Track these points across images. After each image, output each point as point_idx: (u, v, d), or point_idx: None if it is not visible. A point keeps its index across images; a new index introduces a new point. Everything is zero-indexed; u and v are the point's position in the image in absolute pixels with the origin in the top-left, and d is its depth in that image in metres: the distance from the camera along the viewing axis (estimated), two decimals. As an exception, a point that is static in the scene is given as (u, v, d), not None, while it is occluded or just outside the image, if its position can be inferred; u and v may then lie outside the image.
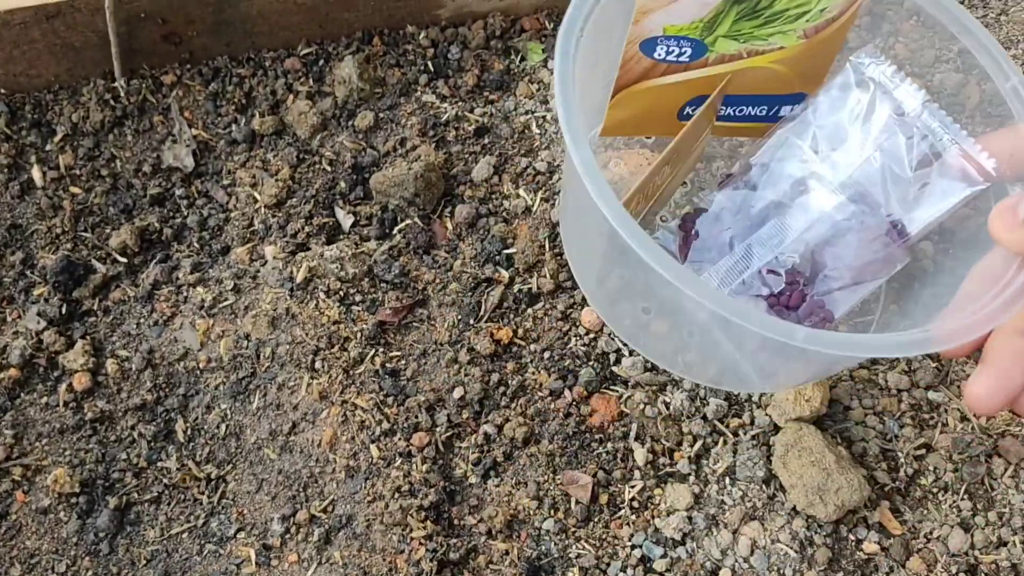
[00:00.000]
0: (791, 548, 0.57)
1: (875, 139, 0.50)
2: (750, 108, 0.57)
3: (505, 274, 0.66)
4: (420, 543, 0.56)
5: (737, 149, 0.67)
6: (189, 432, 0.62)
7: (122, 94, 0.73)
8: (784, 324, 0.41)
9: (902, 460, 0.61)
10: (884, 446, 0.61)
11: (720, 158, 0.68)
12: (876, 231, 0.50)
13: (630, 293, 0.53)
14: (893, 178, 0.50)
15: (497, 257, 0.67)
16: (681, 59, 0.52)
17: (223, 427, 0.62)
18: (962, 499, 0.60)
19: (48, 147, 0.71)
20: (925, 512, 0.59)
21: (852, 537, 0.58)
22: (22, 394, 0.62)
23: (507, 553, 0.57)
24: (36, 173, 0.70)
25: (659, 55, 0.51)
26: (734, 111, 0.57)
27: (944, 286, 0.49)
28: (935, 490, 0.60)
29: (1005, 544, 0.58)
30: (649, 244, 0.41)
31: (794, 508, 0.58)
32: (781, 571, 0.56)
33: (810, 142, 0.53)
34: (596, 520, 0.58)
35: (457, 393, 0.62)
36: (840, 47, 0.53)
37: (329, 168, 0.72)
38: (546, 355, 0.63)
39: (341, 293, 0.66)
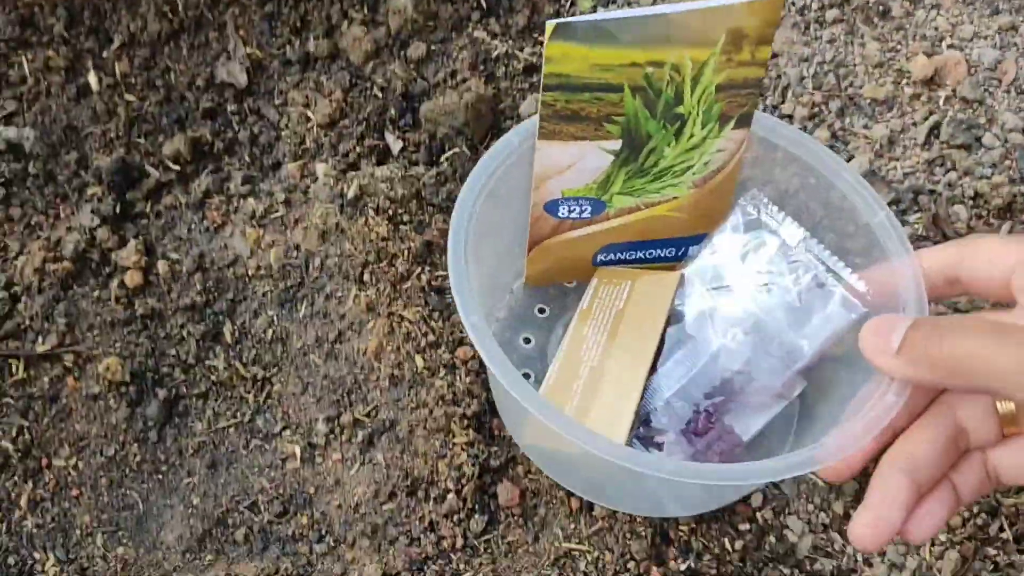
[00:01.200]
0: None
1: (767, 273, 0.55)
2: (658, 251, 0.61)
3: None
4: (462, 448, 0.58)
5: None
6: (236, 335, 0.63)
7: (180, 7, 0.74)
8: (648, 457, 0.45)
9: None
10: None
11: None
12: (774, 359, 0.54)
13: (547, 439, 0.56)
14: (785, 308, 0.54)
15: (542, 189, 0.69)
16: (583, 216, 0.57)
17: (270, 332, 0.63)
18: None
19: (105, 54, 0.72)
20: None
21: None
22: (75, 286, 0.64)
23: (544, 465, 0.59)
24: (92, 78, 0.71)
25: (562, 214, 0.57)
26: (644, 254, 0.61)
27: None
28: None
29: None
30: (544, 406, 0.46)
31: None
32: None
33: (709, 280, 0.57)
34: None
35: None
36: (732, 191, 0.58)
37: (380, 95, 0.73)
38: (587, 284, 0.65)
39: (390, 212, 0.67)
